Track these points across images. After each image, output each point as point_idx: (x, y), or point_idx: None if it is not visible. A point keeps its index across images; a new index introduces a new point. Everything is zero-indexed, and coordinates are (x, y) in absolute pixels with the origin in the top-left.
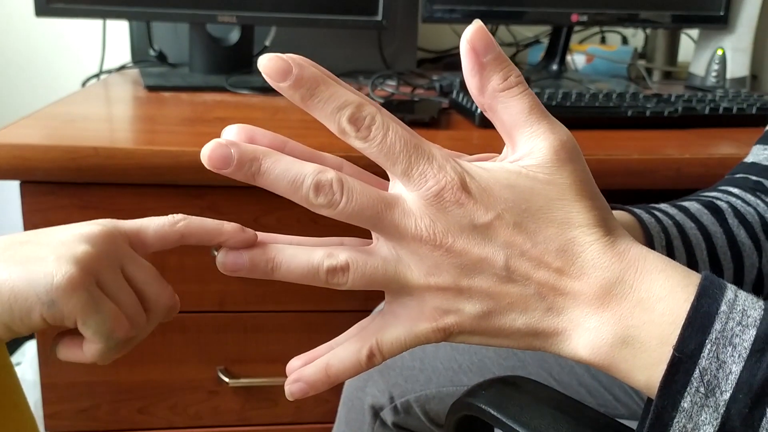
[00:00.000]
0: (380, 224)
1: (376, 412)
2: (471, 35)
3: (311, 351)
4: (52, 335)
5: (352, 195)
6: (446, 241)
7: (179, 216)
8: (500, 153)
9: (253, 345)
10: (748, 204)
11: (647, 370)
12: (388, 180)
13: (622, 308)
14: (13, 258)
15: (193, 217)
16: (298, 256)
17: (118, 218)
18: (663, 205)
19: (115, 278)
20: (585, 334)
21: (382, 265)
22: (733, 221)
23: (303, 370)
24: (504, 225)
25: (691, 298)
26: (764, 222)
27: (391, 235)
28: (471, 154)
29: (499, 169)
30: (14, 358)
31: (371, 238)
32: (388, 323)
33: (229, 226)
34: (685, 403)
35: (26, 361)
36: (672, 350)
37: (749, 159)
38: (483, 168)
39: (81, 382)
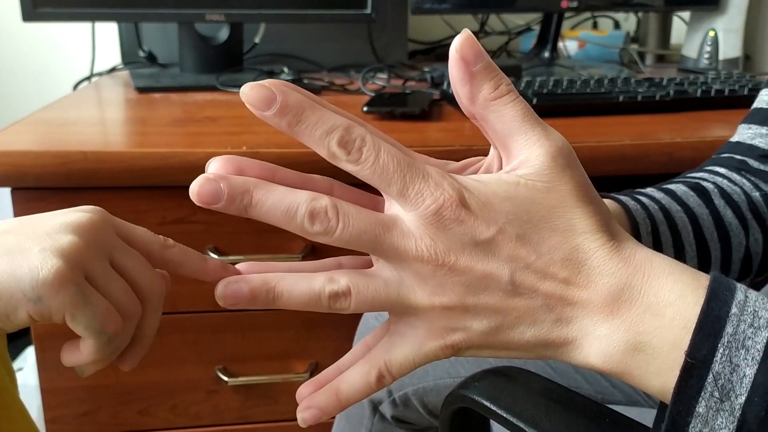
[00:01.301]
0: (379, 248)
1: (375, 406)
2: (460, 44)
3: (319, 375)
4: (51, 340)
5: (348, 220)
6: (449, 260)
7: (171, 242)
8: (487, 154)
9: (251, 343)
10: (734, 183)
11: (661, 376)
12: (380, 195)
13: (632, 314)
14: None
15: (182, 246)
16: (298, 283)
17: None
18: (649, 190)
19: (105, 269)
20: (596, 343)
21: (384, 288)
22: (719, 202)
23: (314, 397)
24: (506, 239)
25: (701, 301)
26: (750, 201)
27: (391, 258)
28: (462, 145)
29: (497, 181)
30: (16, 364)
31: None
32: (395, 344)
33: (212, 265)
34: (700, 408)
35: (28, 367)
36: (684, 355)
37: (735, 138)
38: (480, 181)
39: (81, 386)
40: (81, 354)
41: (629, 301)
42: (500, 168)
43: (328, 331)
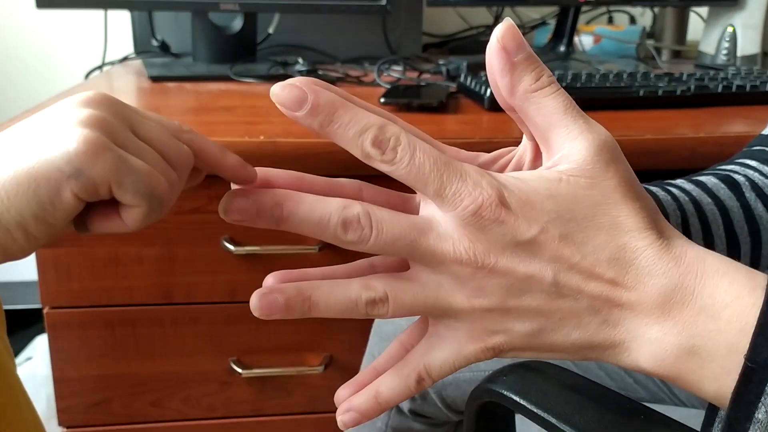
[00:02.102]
0: (415, 252)
1: None
2: (502, 34)
3: (357, 377)
4: (64, 329)
5: (381, 227)
6: (488, 262)
7: (188, 127)
8: (514, 144)
9: (265, 335)
10: (766, 177)
11: (716, 381)
12: (412, 192)
13: (685, 316)
14: (18, 145)
15: (199, 134)
16: (334, 291)
17: None
18: (679, 181)
19: (131, 137)
20: (646, 346)
21: (422, 293)
22: (750, 195)
23: (353, 400)
24: (549, 239)
25: (759, 302)
26: None
27: (428, 261)
28: (482, 138)
29: (538, 179)
30: (25, 353)
31: None
32: (434, 345)
33: (232, 158)
34: (760, 414)
35: (38, 356)
36: (743, 359)
37: (766, 131)
38: (520, 179)
39: (93, 376)
40: (124, 223)
41: (681, 302)
42: (533, 159)
43: (343, 324)
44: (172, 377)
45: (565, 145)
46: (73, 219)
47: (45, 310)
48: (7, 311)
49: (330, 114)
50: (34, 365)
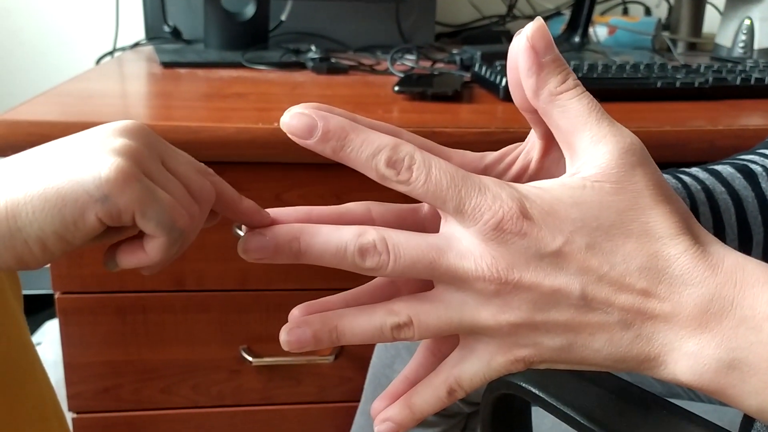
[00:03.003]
0: (436, 272)
1: None
2: (532, 32)
3: (389, 387)
4: (75, 314)
5: (398, 251)
6: (513, 277)
7: (211, 170)
8: (523, 137)
9: (276, 324)
10: None
11: (759, 395)
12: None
13: (724, 328)
14: (50, 162)
15: (220, 178)
16: (359, 320)
17: None
18: (693, 169)
19: (160, 170)
20: (683, 360)
21: (446, 313)
22: (767, 185)
23: (389, 411)
24: (575, 249)
25: None
26: None
27: (451, 280)
28: (498, 127)
29: (560, 186)
30: (34, 338)
31: None
32: (465, 357)
33: (247, 203)
34: None
35: (46, 342)
36: None
37: None
38: (542, 188)
39: (103, 362)
40: (146, 255)
41: (720, 313)
42: (541, 157)
43: None
44: (182, 364)
45: (589, 149)
46: (104, 255)
47: (56, 296)
48: None
49: (341, 139)
50: (43, 350)
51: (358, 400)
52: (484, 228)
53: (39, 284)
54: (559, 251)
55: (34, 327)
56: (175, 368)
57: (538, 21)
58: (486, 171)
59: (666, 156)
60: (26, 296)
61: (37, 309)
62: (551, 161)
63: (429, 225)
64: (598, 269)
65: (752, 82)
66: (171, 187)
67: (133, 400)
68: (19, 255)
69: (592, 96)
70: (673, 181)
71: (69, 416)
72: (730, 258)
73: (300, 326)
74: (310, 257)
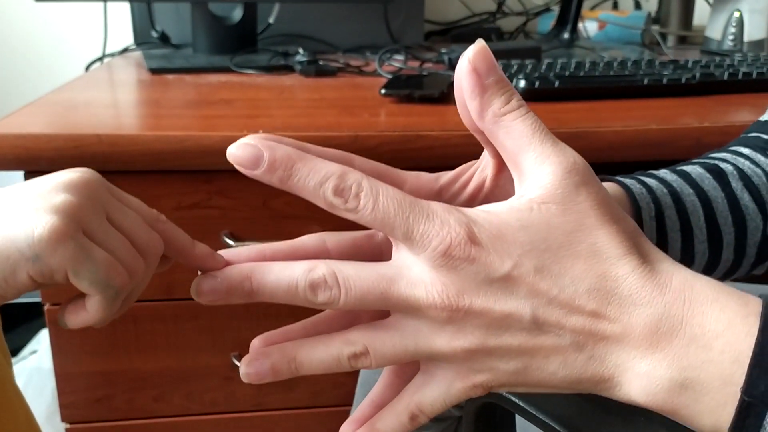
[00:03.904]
0: (389, 302)
1: None
2: (474, 55)
3: (356, 412)
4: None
5: (349, 284)
6: (464, 304)
7: (164, 217)
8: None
9: (266, 330)
10: (757, 165)
11: (712, 414)
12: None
13: (674, 347)
14: None
15: (173, 224)
16: (317, 350)
17: None
18: (661, 172)
19: (102, 225)
20: (636, 380)
21: (401, 342)
22: (737, 184)
23: None
24: (524, 273)
25: (754, 331)
26: None
27: (403, 309)
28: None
29: (508, 210)
30: (30, 347)
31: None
32: (425, 383)
33: (200, 249)
34: None
35: (42, 350)
36: (739, 392)
37: (764, 117)
38: (490, 212)
39: (95, 372)
40: (87, 313)
41: (670, 332)
42: (495, 174)
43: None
44: (174, 373)
45: (534, 170)
46: (57, 314)
47: (46, 307)
48: (11, 305)
49: (288, 168)
50: (40, 358)
51: (351, 405)
52: (433, 254)
53: (34, 292)
54: (509, 275)
55: (30, 335)
56: (167, 376)
57: (480, 43)
58: (441, 191)
59: (652, 154)
60: (21, 304)
61: (33, 317)
62: (505, 179)
63: (386, 250)
64: (547, 292)
65: (740, 76)
66: (111, 244)
67: (127, 409)
68: None
69: (536, 116)
70: (638, 186)
71: (62, 427)
72: (678, 276)
73: (258, 359)
74: (263, 295)
